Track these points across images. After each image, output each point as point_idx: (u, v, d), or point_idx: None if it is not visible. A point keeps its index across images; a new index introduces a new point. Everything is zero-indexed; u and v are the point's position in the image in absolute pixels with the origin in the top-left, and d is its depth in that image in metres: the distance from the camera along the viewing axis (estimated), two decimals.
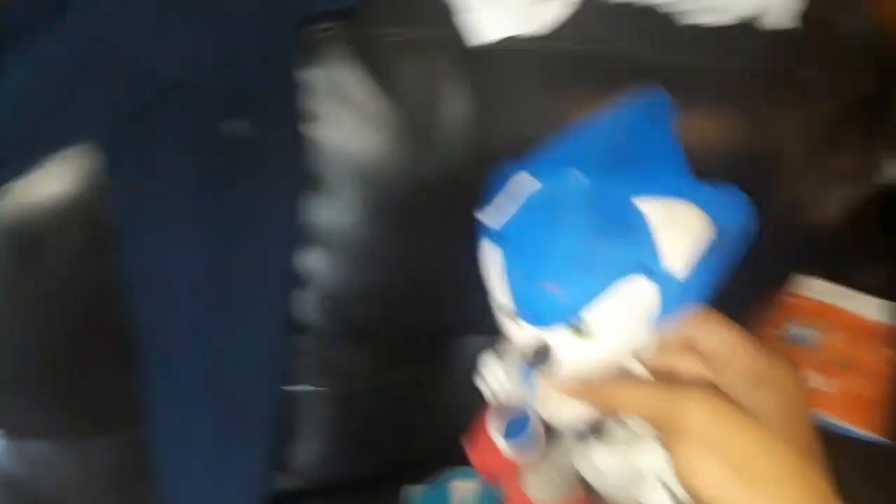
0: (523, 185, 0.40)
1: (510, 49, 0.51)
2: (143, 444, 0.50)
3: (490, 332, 0.65)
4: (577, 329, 0.37)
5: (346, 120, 0.49)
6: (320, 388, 0.60)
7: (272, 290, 0.50)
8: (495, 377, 0.50)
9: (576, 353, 0.38)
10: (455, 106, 0.51)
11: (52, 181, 0.42)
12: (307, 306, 0.54)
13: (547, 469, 0.48)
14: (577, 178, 0.38)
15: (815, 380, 0.93)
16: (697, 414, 0.38)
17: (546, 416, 0.45)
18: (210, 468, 0.52)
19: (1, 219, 0.41)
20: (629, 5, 0.57)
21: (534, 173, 0.40)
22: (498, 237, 0.40)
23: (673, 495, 0.41)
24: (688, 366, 0.41)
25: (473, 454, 0.55)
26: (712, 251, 0.37)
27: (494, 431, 0.51)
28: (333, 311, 0.55)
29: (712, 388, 0.39)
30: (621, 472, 0.43)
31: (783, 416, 0.39)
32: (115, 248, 0.44)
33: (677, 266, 0.36)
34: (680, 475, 0.39)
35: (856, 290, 1.07)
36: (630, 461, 0.42)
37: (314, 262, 0.52)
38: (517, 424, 0.50)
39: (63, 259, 0.44)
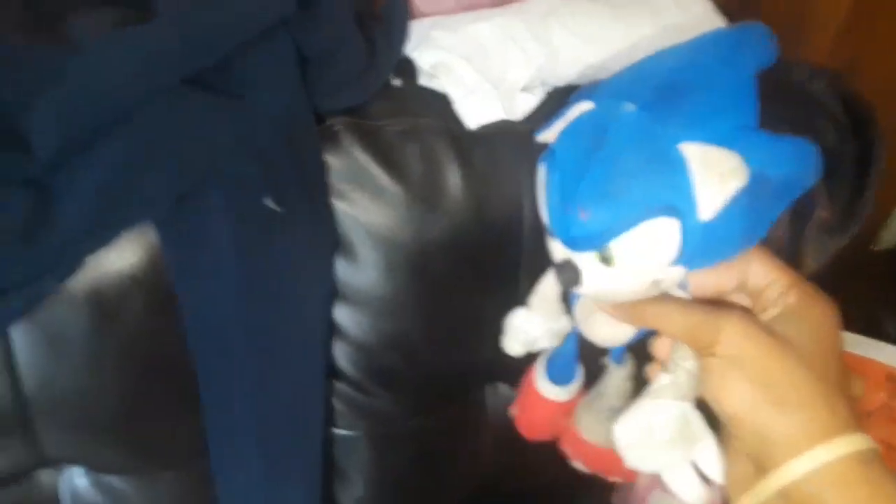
0: (580, 108, 0.37)
1: (497, 131, 0.54)
2: (204, 478, 0.51)
3: (512, 380, 0.66)
4: (603, 256, 0.35)
5: (361, 196, 0.51)
6: (357, 432, 0.60)
7: (310, 341, 0.52)
8: (528, 325, 0.48)
9: (599, 277, 0.36)
10: (453, 180, 0.53)
11: (121, 255, 0.45)
12: (340, 357, 0.56)
13: (597, 408, 0.45)
14: (626, 109, 0.35)
15: None
16: (732, 334, 0.36)
17: (588, 334, 0.43)
18: (265, 500, 0.53)
19: (80, 288, 0.44)
20: None
21: (591, 97, 0.37)
22: (545, 155, 0.37)
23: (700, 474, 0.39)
24: (732, 298, 0.39)
25: (521, 420, 0.52)
26: (743, 200, 0.34)
27: (540, 380, 0.49)
28: (362, 361, 0.56)
29: (749, 313, 0.37)
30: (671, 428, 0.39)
31: (814, 347, 0.36)
32: (175, 309, 0.47)
33: (706, 213, 0.34)
34: (709, 392, 0.37)
35: (887, 343, 1.03)
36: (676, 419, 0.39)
37: (342, 316, 0.54)
38: (560, 366, 0.48)
39: (132, 320, 0.46)
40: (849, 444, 0.34)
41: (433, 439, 0.64)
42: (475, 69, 0.54)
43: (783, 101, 0.72)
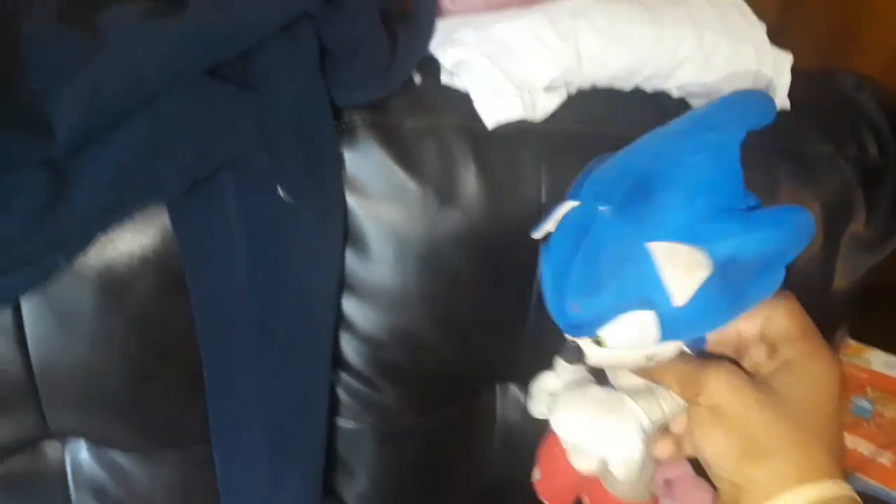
0: (567, 206, 0.42)
1: (516, 131, 0.54)
2: (207, 461, 0.52)
3: (522, 381, 0.66)
4: (596, 341, 0.40)
5: (376, 190, 0.52)
6: (363, 425, 0.60)
7: (317, 330, 0.53)
8: (555, 388, 0.51)
9: (598, 355, 0.41)
10: (469, 178, 0.53)
11: (134, 236, 0.46)
12: (347, 349, 0.56)
13: None
14: (602, 210, 0.40)
15: (872, 451, 0.87)
16: (716, 385, 0.38)
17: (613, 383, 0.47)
18: (265, 488, 0.53)
19: (91, 266, 0.45)
20: (622, 91, 0.59)
21: (578, 195, 0.42)
22: (544, 248, 0.42)
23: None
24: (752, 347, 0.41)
25: (544, 486, 0.53)
26: (716, 283, 0.37)
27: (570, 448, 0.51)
28: (369, 354, 0.56)
29: (735, 367, 0.40)
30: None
31: (802, 400, 0.38)
32: (184, 292, 0.48)
33: (679, 301, 0.37)
34: (696, 442, 0.40)
35: None
36: None
37: (351, 309, 0.54)
38: None
39: (141, 300, 0.47)
40: (819, 490, 0.36)
41: (439, 438, 0.64)
42: (497, 68, 0.54)
43: (828, 111, 0.70)
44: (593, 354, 0.41)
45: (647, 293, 0.38)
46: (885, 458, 0.86)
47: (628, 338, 0.39)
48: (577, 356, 0.41)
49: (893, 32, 0.95)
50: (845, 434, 0.90)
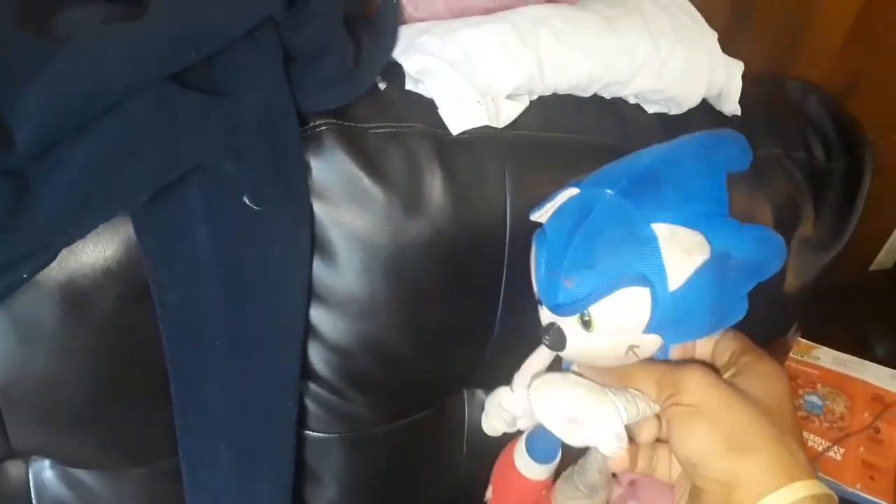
0: (567, 193, 0.43)
1: (481, 137, 0.55)
2: (174, 474, 0.51)
3: (490, 386, 0.67)
4: (584, 321, 0.40)
5: (342, 198, 0.52)
6: (332, 434, 0.60)
7: (285, 340, 0.52)
8: (510, 405, 0.52)
9: (581, 341, 0.41)
10: (434, 184, 0.53)
11: (96, 247, 0.45)
12: (315, 358, 0.56)
13: (577, 483, 0.48)
14: (607, 193, 0.41)
15: (823, 446, 0.90)
16: (694, 385, 0.40)
17: None
18: (234, 499, 0.53)
19: (54, 279, 0.44)
20: (581, 97, 0.61)
21: (578, 185, 0.44)
22: (537, 234, 0.43)
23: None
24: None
25: (497, 496, 0.54)
26: (708, 274, 0.39)
27: (521, 459, 0.52)
28: (337, 363, 0.56)
29: (708, 367, 0.42)
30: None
31: (767, 399, 0.40)
32: (149, 303, 0.47)
33: (674, 283, 0.39)
34: (675, 439, 0.40)
35: (868, 361, 1.04)
36: None
37: (319, 318, 0.54)
38: (543, 444, 0.51)
39: (105, 313, 0.46)
40: (809, 488, 0.37)
41: (408, 444, 0.64)
42: (461, 75, 0.55)
43: (776, 116, 0.73)
44: (575, 340, 0.41)
45: (645, 271, 0.39)
46: (835, 453, 0.90)
47: (619, 317, 0.40)
48: (557, 341, 0.41)
49: (836, 38, 1.00)
50: None
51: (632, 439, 0.44)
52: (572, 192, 0.43)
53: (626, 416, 0.42)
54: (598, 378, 0.45)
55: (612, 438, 0.41)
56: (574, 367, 0.47)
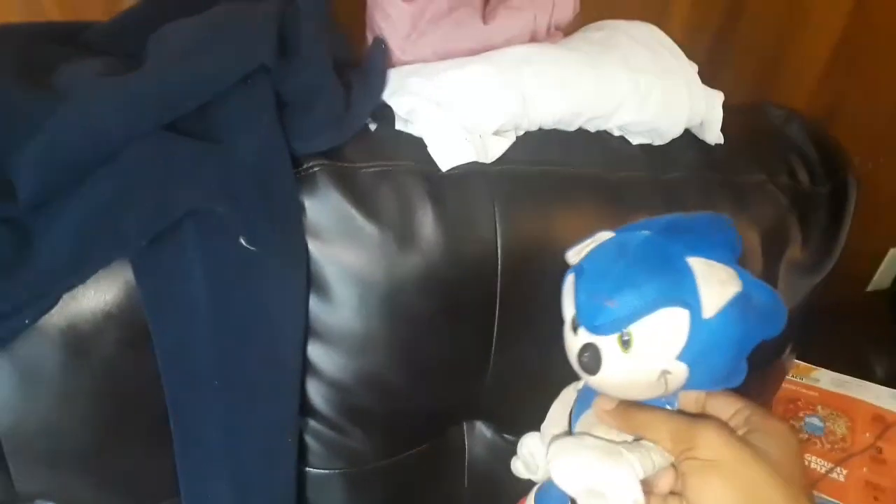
0: (603, 236, 0.46)
1: (470, 172, 0.57)
2: None
3: (489, 418, 0.67)
4: (624, 340, 0.41)
5: (337, 236, 0.53)
6: (333, 470, 0.61)
7: (283, 378, 0.53)
8: (537, 451, 0.52)
9: (616, 362, 0.42)
10: (426, 220, 0.55)
11: (97, 292, 0.47)
12: (314, 395, 0.57)
13: None
14: (643, 233, 0.44)
15: (826, 468, 0.90)
16: (710, 440, 0.40)
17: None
18: None
19: (55, 324, 0.46)
20: (570, 133, 0.62)
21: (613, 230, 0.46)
22: (575, 269, 0.45)
23: None
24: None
25: None
26: (737, 309, 0.41)
27: None
28: (336, 399, 0.57)
29: (725, 423, 0.43)
30: None
31: (780, 457, 0.41)
32: (149, 346, 0.48)
33: (709, 311, 0.40)
34: (690, 492, 0.41)
35: (868, 381, 1.04)
36: None
37: (316, 354, 0.55)
38: (552, 498, 0.50)
39: (106, 356, 0.48)
40: None
41: (408, 478, 0.65)
42: (449, 114, 0.57)
43: (759, 142, 0.74)
44: (611, 365, 0.42)
45: (685, 295, 0.41)
46: (838, 474, 0.90)
47: (658, 337, 0.41)
48: (592, 362, 0.42)
49: (818, 64, 1.02)
50: None
51: (647, 492, 0.44)
52: (606, 234, 0.46)
53: (642, 472, 0.42)
54: (611, 433, 0.45)
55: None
56: (586, 416, 0.47)
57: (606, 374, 0.43)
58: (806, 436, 0.94)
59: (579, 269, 0.44)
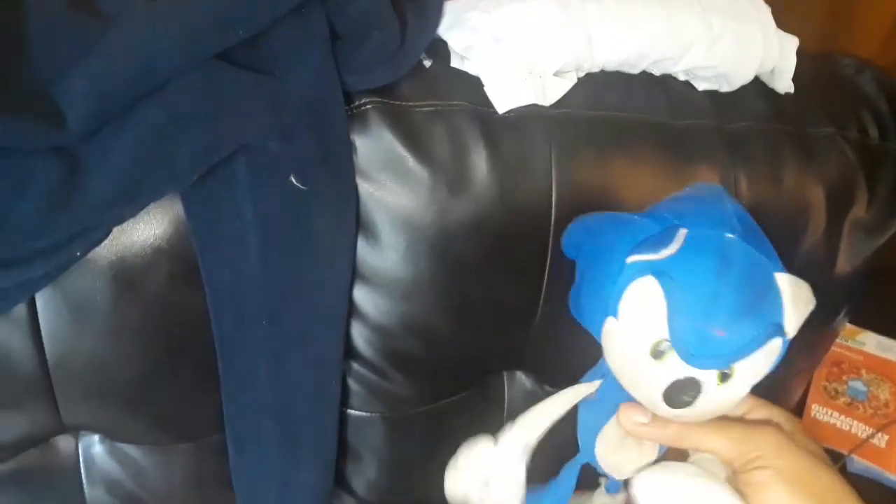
0: (682, 233, 0.40)
1: (527, 115, 0.55)
2: (219, 451, 0.53)
3: (531, 368, 0.67)
4: (724, 372, 0.38)
5: (387, 178, 0.52)
6: (373, 413, 0.61)
7: (329, 320, 0.53)
8: (489, 462, 0.50)
9: (712, 395, 0.38)
10: (479, 165, 0.54)
11: (147, 226, 0.47)
12: (357, 338, 0.57)
13: None
14: (729, 237, 0.39)
15: (867, 433, 0.90)
16: (773, 448, 0.40)
17: (609, 463, 0.44)
18: (278, 477, 0.55)
19: (105, 257, 0.46)
20: (630, 74, 0.60)
21: (682, 222, 0.41)
22: (660, 272, 0.38)
23: None
24: None
25: None
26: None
27: None
28: (379, 343, 0.57)
29: (780, 428, 0.42)
30: None
31: (823, 455, 0.41)
32: (199, 282, 0.48)
33: (791, 332, 0.39)
34: (757, 502, 0.40)
35: None
36: None
37: (362, 298, 0.55)
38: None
39: (155, 291, 0.48)
40: None
41: (448, 425, 0.65)
42: (507, 52, 0.55)
43: (829, 93, 0.72)
44: (709, 393, 0.38)
45: (781, 321, 0.38)
46: (879, 440, 0.89)
47: (761, 368, 0.39)
48: (690, 396, 0.38)
49: (889, 12, 0.97)
50: (841, 415, 0.93)
51: None
52: (685, 232, 0.40)
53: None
54: (642, 445, 0.44)
55: None
56: (607, 431, 0.45)
57: (699, 406, 0.39)
58: (848, 400, 0.93)
59: (668, 280, 0.38)
